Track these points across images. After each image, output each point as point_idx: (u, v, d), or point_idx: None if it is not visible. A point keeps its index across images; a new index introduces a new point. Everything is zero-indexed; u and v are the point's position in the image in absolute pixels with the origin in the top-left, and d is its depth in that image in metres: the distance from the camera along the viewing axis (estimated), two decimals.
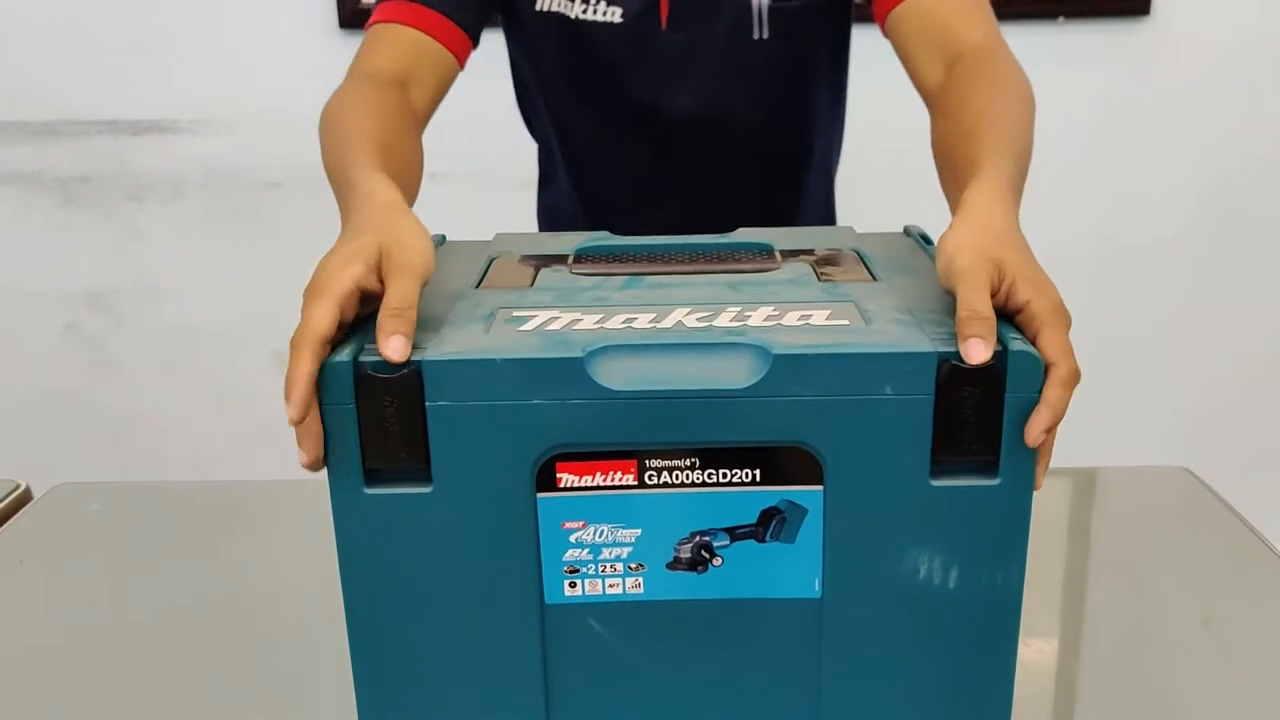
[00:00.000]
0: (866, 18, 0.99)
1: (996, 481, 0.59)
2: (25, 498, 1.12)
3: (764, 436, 0.59)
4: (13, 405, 2.05)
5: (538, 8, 1.03)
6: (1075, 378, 0.58)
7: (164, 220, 1.97)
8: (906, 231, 0.82)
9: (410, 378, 0.58)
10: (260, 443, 2.12)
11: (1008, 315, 0.61)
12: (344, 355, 0.58)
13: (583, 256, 0.76)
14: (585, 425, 0.59)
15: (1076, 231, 1.90)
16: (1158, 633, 0.86)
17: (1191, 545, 1.00)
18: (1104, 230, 1.94)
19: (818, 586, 0.62)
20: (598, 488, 0.60)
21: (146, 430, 2.05)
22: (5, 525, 1.05)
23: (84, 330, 2.02)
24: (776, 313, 0.63)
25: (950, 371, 0.57)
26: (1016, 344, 0.58)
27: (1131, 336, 1.96)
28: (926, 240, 0.79)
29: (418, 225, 0.66)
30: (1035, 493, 0.60)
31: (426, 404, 0.58)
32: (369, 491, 0.60)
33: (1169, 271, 1.96)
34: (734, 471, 0.60)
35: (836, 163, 1.20)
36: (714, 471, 0.60)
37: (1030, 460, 0.59)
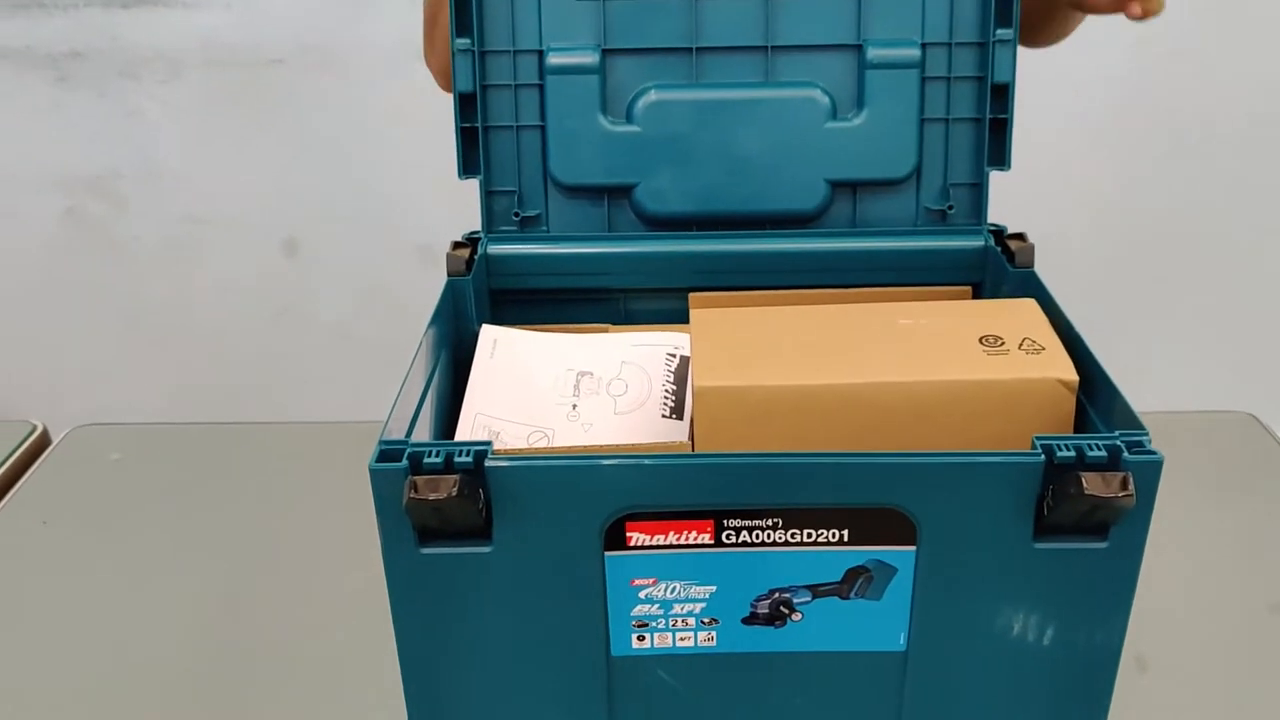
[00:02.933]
0: None
1: (1104, 545, 0.55)
2: (43, 441, 1.08)
3: (855, 500, 0.54)
4: (15, 290, 1.99)
5: None
6: None
7: (162, 100, 1.86)
8: None
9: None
10: (273, 331, 2.08)
11: None
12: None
13: None
14: (659, 487, 0.54)
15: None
16: (1218, 620, 0.83)
17: (1257, 509, 0.96)
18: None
19: (903, 640, 0.58)
20: (671, 546, 0.56)
21: (157, 318, 2.00)
22: (24, 479, 1.01)
23: (86, 215, 1.94)
24: None
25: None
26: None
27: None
28: None
29: None
30: None
31: (486, 465, 0.53)
32: (424, 551, 0.55)
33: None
34: (819, 532, 0.55)
35: None
36: (797, 532, 0.55)
37: (1144, 524, 0.54)
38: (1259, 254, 1.89)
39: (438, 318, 0.69)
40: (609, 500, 0.54)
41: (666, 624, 0.58)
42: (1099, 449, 0.53)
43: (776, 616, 0.58)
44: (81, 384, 1.95)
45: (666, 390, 0.70)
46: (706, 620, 0.58)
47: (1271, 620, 0.83)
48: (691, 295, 0.77)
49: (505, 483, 0.53)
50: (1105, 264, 1.84)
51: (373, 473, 0.53)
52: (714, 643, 0.58)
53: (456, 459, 0.53)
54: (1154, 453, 0.53)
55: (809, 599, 0.57)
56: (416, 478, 0.52)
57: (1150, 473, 0.52)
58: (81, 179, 1.92)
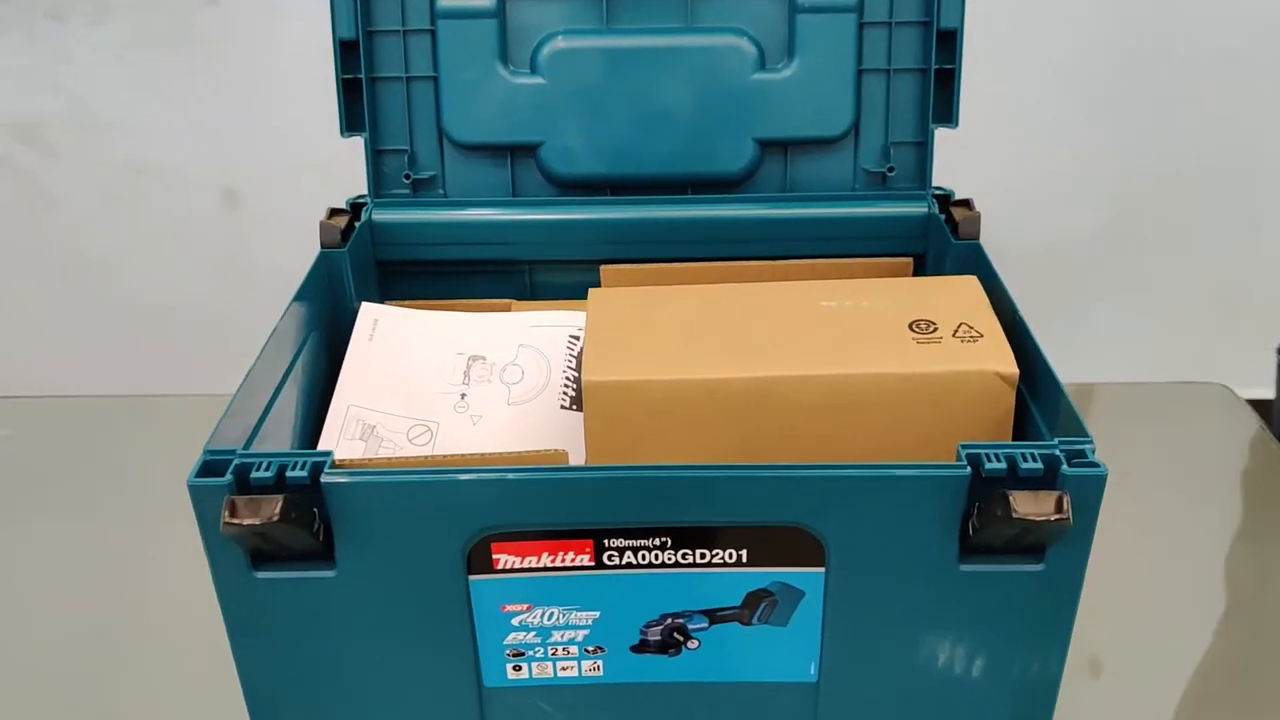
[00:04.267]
0: None
1: (1040, 567, 0.48)
2: None
3: (753, 517, 0.47)
4: None
5: None
6: None
7: (92, 43, 1.76)
8: None
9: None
10: (214, 287, 1.99)
11: None
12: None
13: None
14: (528, 505, 0.47)
15: None
16: (1182, 616, 0.77)
17: (1229, 489, 0.90)
18: None
19: (814, 671, 0.51)
20: (545, 569, 0.48)
21: (90, 271, 1.91)
22: None
23: (15, 165, 1.85)
24: None
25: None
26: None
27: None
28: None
29: None
30: None
31: (323, 480, 0.46)
32: (258, 575, 0.48)
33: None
34: (714, 552, 0.48)
35: None
36: (689, 552, 0.48)
37: (1085, 543, 0.47)
38: (1231, 217, 1.81)
39: (304, 294, 0.61)
40: (470, 520, 0.47)
41: (545, 653, 0.51)
42: (1034, 460, 0.45)
43: (670, 644, 0.51)
44: (8, 348, 1.87)
45: (567, 378, 0.63)
46: (591, 649, 0.51)
47: (1255, 600, 0.77)
48: (604, 268, 0.69)
49: (346, 500, 0.46)
50: (1065, 229, 1.76)
51: (191, 489, 0.46)
52: (600, 672, 0.51)
53: (289, 473, 0.45)
54: (1097, 464, 0.45)
55: (706, 625, 0.50)
56: (236, 498, 0.45)
57: (1092, 488, 0.45)
58: (9, 127, 1.82)
